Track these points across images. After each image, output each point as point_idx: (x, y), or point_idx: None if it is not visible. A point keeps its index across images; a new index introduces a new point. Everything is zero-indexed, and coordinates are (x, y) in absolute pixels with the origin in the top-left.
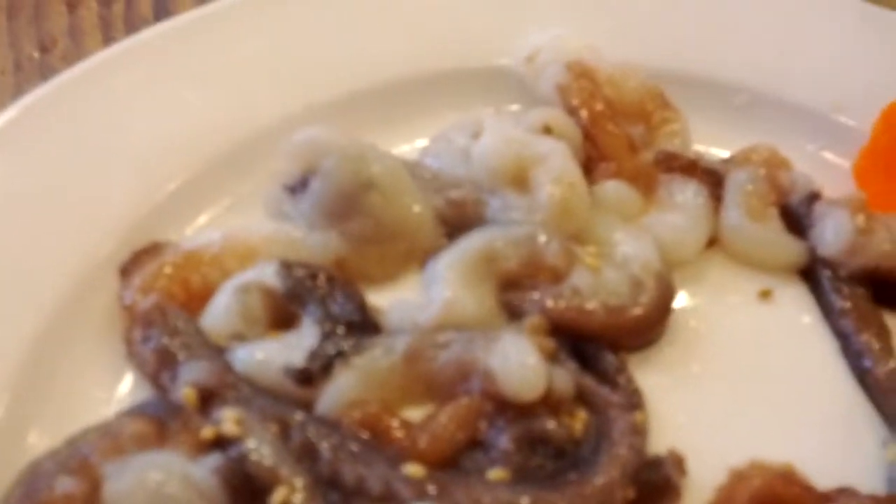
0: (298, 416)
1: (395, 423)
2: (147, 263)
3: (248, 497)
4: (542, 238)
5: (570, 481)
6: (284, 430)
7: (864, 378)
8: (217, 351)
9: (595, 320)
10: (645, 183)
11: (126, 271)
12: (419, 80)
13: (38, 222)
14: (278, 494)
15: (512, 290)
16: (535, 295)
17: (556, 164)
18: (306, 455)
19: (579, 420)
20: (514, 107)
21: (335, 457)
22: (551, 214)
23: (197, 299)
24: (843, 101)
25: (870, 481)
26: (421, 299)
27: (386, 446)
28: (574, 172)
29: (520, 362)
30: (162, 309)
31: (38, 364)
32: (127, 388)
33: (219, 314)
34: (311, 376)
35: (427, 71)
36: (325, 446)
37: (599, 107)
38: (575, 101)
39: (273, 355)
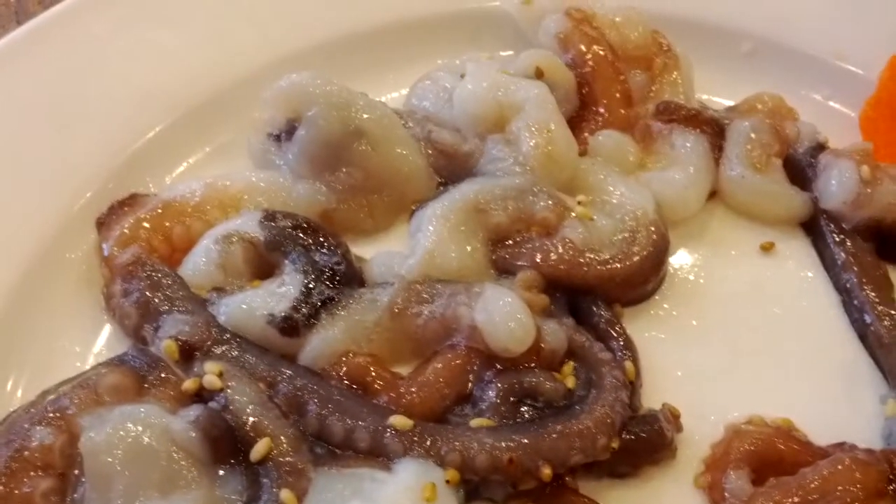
0: (286, 369)
1: (382, 374)
2: (125, 215)
3: (229, 449)
4: (532, 189)
5: (552, 427)
6: (271, 384)
7: (864, 333)
8: (201, 304)
9: (588, 273)
10: (641, 134)
11: (103, 224)
12: (409, 24)
13: (10, 173)
14: (260, 446)
15: (503, 246)
16: (527, 249)
17: (535, 112)
18: (293, 409)
19: (569, 374)
20: (508, 53)
21: (322, 410)
22: (537, 165)
23: (179, 251)
24: (849, 49)
25: (868, 436)
26: (405, 250)
27: (373, 398)
28: (554, 121)
29: (506, 315)
30: (143, 261)
31: (13, 318)
32: (103, 342)
33: (199, 265)
34: (295, 326)
35: (417, 15)
36: (312, 400)
37: (602, 52)
38: (575, 49)
39: (256, 305)
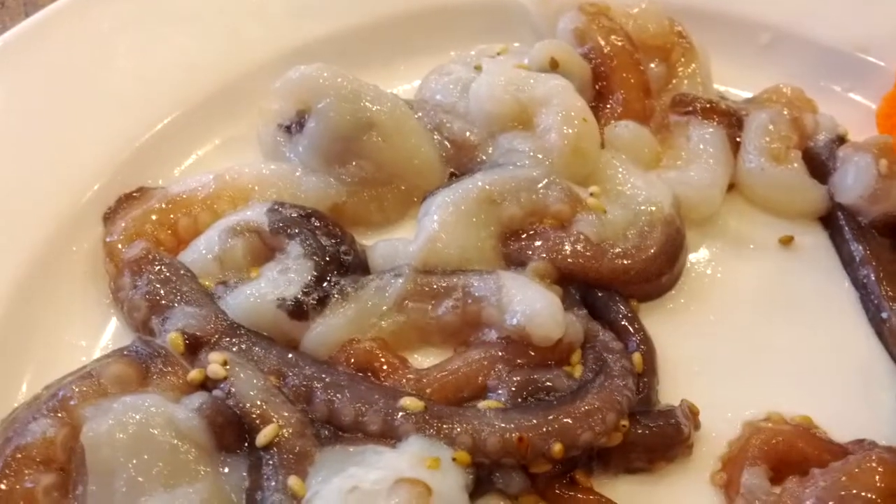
0: (294, 359)
1: (390, 359)
2: (133, 208)
3: (234, 437)
4: (546, 181)
5: (562, 407)
6: (280, 376)
7: (881, 329)
8: (209, 296)
9: (602, 267)
10: (657, 126)
11: (110, 217)
12: (420, 15)
13: (17, 165)
14: (267, 431)
15: (516, 238)
16: (541, 243)
17: (563, 103)
18: (302, 397)
19: (577, 363)
20: (520, 45)
21: (331, 395)
22: (562, 156)
23: (185, 244)
24: (870, 41)
25: (887, 433)
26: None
27: (382, 382)
28: (583, 110)
29: (544, 307)
30: (152, 255)
31: (19, 312)
32: (110, 336)
33: (197, 255)
34: (304, 309)
35: (428, 5)
36: (321, 387)
37: (620, 42)
38: (592, 41)
39: (265, 291)
